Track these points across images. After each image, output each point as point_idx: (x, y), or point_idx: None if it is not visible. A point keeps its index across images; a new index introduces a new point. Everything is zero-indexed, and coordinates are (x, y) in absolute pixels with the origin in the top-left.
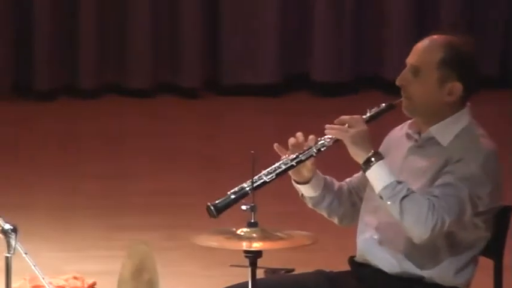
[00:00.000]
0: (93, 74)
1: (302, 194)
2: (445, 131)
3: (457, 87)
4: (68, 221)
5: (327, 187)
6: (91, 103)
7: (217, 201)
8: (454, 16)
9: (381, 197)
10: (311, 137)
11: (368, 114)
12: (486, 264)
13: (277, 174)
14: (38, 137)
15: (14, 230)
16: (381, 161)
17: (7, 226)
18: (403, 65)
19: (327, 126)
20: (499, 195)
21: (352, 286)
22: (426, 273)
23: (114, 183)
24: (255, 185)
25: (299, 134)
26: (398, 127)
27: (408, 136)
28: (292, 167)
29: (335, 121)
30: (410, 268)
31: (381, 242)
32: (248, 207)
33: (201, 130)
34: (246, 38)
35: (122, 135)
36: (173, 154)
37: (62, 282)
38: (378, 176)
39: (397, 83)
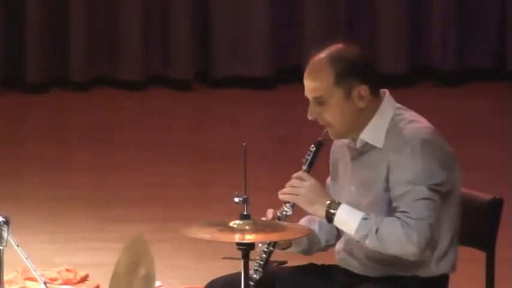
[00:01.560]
0: (85, 66)
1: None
2: (375, 132)
3: (363, 89)
4: (59, 213)
5: (311, 236)
6: (82, 95)
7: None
8: (448, 6)
9: (357, 241)
10: (269, 210)
11: (306, 164)
12: (479, 256)
13: (263, 267)
14: (29, 129)
15: (6, 222)
16: (340, 208)
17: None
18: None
19: (279, 192)
20: (452, 170)
21: (341, 279)
22: (407, 272)
23: (106, 175)
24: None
25: (269, 212)
26: (338, 142)
27: (348, 147)
28: (272, 251)
29: (285, 186)
30: (390, 272)
31: (352, 254)
32: (241, 199)
33: (193, 122)
34: (237, 30)
35: (114, 128)
36: (165, 146)
37: (54, 275)
38: (344, 223)
39: (310, 118)
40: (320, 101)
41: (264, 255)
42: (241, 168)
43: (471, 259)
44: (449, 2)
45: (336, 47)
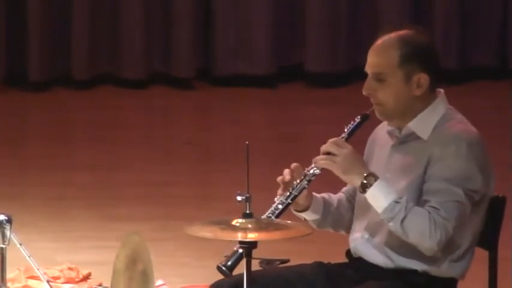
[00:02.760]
0: (87, 64)
1: (305, 218)
2: (423, 124)
3: (424, 78)
4: (61, 212)
5: (326, 207)
6: (84, 94)
7: (227, 262)
8: (450, 6)
9: (383, 220)
10: (294, 164)
11: (346, 132)
12: (481, 255)
13: (276, 217)
14: (32, 128)
15: (9, 221)
16: (378, 182)
17: (2, 217)
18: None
19: (314, 160)
20: (488, 180)
21: (350, 278)
22: (420, 267)
23: (108, 174)
24: (270, 213)
25: (286, 172)
26: (380, 125)
27: (390, 134)
28: (289, 205)
29: (321, 150)
30: (403, 263)
31: (370, 241)
32: (243, 198)
33: (195, 121)
34: (239, 28)
35: (116, 126)
36: (167, 145)
37: (56, 273)
38: (375, 199)
39: (364, 93)
40: (379, 78)
41: (281, 207)
42: (244, 167)
43: (475, 258)
44: (452, 1)
45: (408, 31)
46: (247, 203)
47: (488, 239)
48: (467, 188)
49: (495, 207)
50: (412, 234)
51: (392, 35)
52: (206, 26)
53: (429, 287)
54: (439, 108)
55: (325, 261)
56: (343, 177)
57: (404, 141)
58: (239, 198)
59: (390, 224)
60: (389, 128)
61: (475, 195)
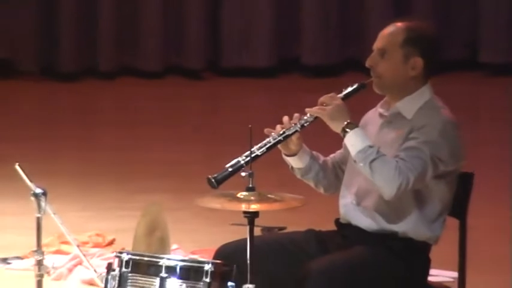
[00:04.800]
0: (111, 58)
1: (292, 167)
2: (409, 105)
3: (419, 62)
4: (89, 186)
5: (312, 159)
6: (109, 83)
7: (216, 174)
8: (426, 4)
9: (355, 161)
10: (296, 115)
11: (343, 93)
12: (452, 223)
13: (267, 148)
14: (63, 113)
15: (44, 194)
16: (355, 129)
17: (38, 190)
18: (371, 50)
19: (307, 109)
20: (458, 159)
21: (337, 243)
22: (399, 229)
23: (129, 153)
24: (248, 158)
25: (286, 119)
26: (373, 109)
27: (380, 115)
28: (280, 141)
29: (318, 102)
30: (385, 225)
31: (358, 205)
32: (247, 174)
33: (205, 107)
34: (244, 25)
35: (136, 112)
36: (180, 128)
37: (85, 239)
38: (352, 142)
39: (367, 64)
40: (382, 53)
41: (273, 141)
42: (247, 147)
43: (447, 226)
44: (428, 1)
45: (416, 22)
46: (250, 178)
47: (458, 209)
48: (435, 155)
49: (464, 182)
50: (377, 176)
51: (403, 23)
52: (215, 24)
53: (407, 251)
54: (425, 94)
55: (317, 229)
56: (330, 124)
57: (391, 120)
58: (243, 174)
59: (361, 164)
60: (380, 109)
61: (440, 164)
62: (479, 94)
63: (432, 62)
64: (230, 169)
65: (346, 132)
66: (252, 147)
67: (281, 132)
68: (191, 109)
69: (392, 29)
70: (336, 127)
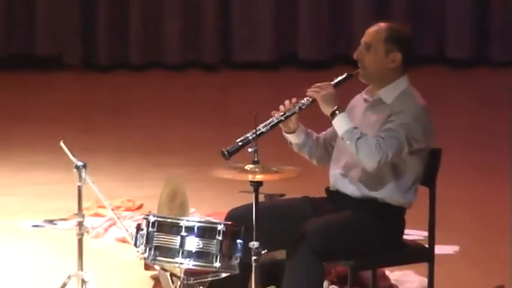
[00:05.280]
0: (141, 53)
1: (290, 142)
2: (389, 93)
3: (398, 56)
4: (122, 160)
5: (307, 136)
6: (140, 75)
7: (228, 148)
8: (403, 5)
9: (342, 139)
10: (293, 99)
11: (334, 81)
12: (424, 192)
13: (271, 126)
14: (100, 101)
15: (84, 166)
16: (342, 113)
17: (79, 163)
18: (358, 44)
19: (307, 90)
20: (428, 138)
21: (328, 208)
22: (379, 195)
23: (156, 132)
24: (255, 135)
25: (287, 103)
26: (358, 95)
27: (365, 100)
28: (281, 120)
29: (312, 87)
30: (367, 192)
31: (345, 176)
32: (253, 149)
33: (219, 95)
34: (250, 25)
35: (162, 100)
36: (198, 113)
37: (118, 204)
38: (340, 124)
39: (355, 56)
40: (368, 47)
41: (276, 120)
42: (253, 128)
43: (419, 193)
44: (404, 2)
45: (397, 24)
46: (255, 154)
47: (428, 180)
48: (409, 135)
49: (434, 157)
50: (361, 151)
51: (386, 23)
52: (227, 23)
53: (385, 214)
54: (403, 84)
55: (311, 196)
56: (322, 106)
57: (373, 105)
58: (250, 149)
59: (347, 142)
60: (365, 96)
61: (414, 142)
62: (446, 85)
63: (409, 56)
64: (240, 143)
65: (336, 114)
66: (258, 126)
67: (282, 113)
68: (207, 97)
69: (377, 28)
70: (327, 110)
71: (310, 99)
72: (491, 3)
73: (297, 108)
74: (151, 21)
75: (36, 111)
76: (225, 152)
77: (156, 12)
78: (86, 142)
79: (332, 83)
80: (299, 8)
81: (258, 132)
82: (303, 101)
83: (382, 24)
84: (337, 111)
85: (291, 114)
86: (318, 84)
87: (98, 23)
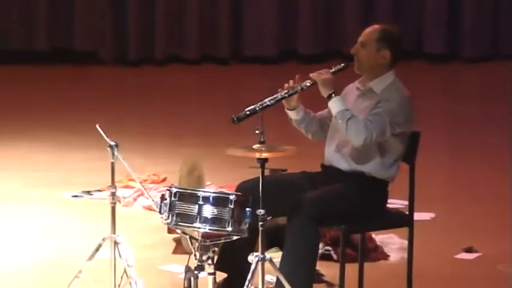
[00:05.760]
0: (164, 49)
1: (290, 118)
2: (378, 84)
3: (387, 54)
4: (148, 141)
5: (305, 114)
6: (163, 69)
7: (238, 115)
8: (389, 7)
9: (336, 118)
10: (297, 76)
11: (333, 69)
12: (405, 168)
13: (276, 101)
14: (129, 92)
15: (117, 145)
16: (337, 96)
17: (112, 143)
18: (355, 42)
19: (310, 74)
20: (410, 123)
21: (323, 180)
22: (366, 169)
23: (177, 117)
24: (261, 106)
25: (291, 82)
26: (351, 84)
27: (357, 88)
28: (285, 97)
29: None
30: (356, 167)
31: (339, 152)
32: (259, 131)
33: (230, 87)
34: (256, 25)
35: (182, 89)
36: (213, 102)
37: (145, 177)
38: (334, 105)
39: (352, 51)
40: (363, 44)
41: (279, 96)
42: (260, 114)
43: (401, 169)
44: (390, 4)
45: (390, 25)
46: (262, 135)
47: (409, 157)
48: (393, 120)
49: (414, 138)
50: (350, 130)
51: (379, 25)
52: (238, 22)
53: (371, 185)
54: (390, 77)
55: (308, 171)
56: (321, 88)
57: (365, 93)
58: (257, 131)
59: (339, 121)
60: (358, 85)
61: (396, 126)
62: (424, 78)
63: (396, 54)
64: (248, 112)
65: (332, 97)
66: (264, 100)
67: (286, 91)
68: (220, 87)
69: (371, 29)
70: (325, 92)
71: (311, 82)
72: (463, 5)
73: (299, 88)
74: (172, 21)
75: (76, 99)
76: (234, 118)
77: (178, 13)
78: (118, 126)
79: (331, 70)
80: (299, 8)
81: (264, 105)
82: (304, 83)
83: (376, 26)
84: (333, 95)
85: (294, 93)
86: (319, 70)
87: (128, 23)
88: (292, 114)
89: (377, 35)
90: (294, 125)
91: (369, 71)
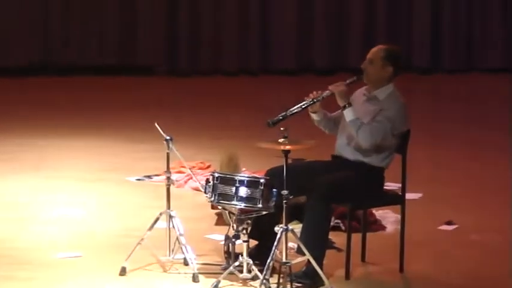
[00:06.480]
0: (211, 60)
1: (313, 119)
2: (382, 93)
3: (390, 69)
4: (196, 136)
5: (324, 116)
6: (207, 79)
7: (272, 119)
8: (384, 26)
9: (349, 123)
10: (319, 91)
11: (347, 82)
12: (398, 158)
13: (302, 108)
14: (182, 98)
15: (171, 139)
16: (351, 107)
17: (167, 137)
18: (364, 59)
19: (329, 86)
20: (404, 125)
21: (334, 167)
22: (366, 160)
23: (219, 118)
24: (291, 112)
25: (314, 92)
26: (359, 89)
27: (364, 94)
28: (310, 104)
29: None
30: (359, 157)
31: (348, 145)
32: (284, 129)
33: (260, 93)
34: (275, 40)
35: (220, 97)
36: (245, 107)
37: (194, 164)
38: (349, 114)
39: (362, 67)
40: (371, 61)
41: (306, 104)
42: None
43: (396, 159)
44: (384, 30)
45: (392, 46)
46: (286, 132)
47: (401, 149)
48: (393, 126)
49: (405, 134)
50: (360, 136)
51: (384, 45)
52: (266, 43)
53: (371, 172)
54: (391, 87)
55: (322, 159)
56: (338, 99)
57: (370, 99)
58: (282, 128)
59: (352, 127)
60: (365, 91)
61: (395, 131)
62: (412, 89)
63: (397, 70)
64: (280, 117)
65: (346, 107)
66: (293, 107)
67: (311, 99)
68: (251, 94)
69: (378, 48)
70: (341, 102)
71: (330, 92)
72: (443, 24)
73: (321, 97)
74: (215, 38)
75: (137, 104)
76: (270, 122)
77: (217, 35)
78: (171, 125)
79: (346, 82)
80: (314, 26)
81: (293, 112)
82: (325, 93)
83: (381, 46)
84: (347, 105)
85: (317, 101)
86: (336, 83)
87: (179, 40)
88: (314, 116)
89: (382, 53)
90: (316, 124)
91: (374, 82)
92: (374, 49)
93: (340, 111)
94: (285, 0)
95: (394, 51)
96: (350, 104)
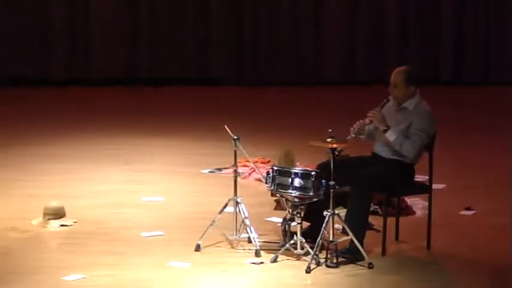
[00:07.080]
0: (231, 73)
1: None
2: (410, 104)
3: (412, 88)
4: (259, 137)
5: (368, 132)
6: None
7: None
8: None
9: (391, 142)
10: (361, 121)
11: (379, 106)
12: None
13: (356, 135)
14: (263, 105)
15: (238, 139)
16: (390, 130)
17: (235, 137)
18: (389, 83)
19: (368, 114)
20: (433, 131)
21: (373, 162)
22: (401, 158)
23: (278, 122)
24: (349, 137)
25: (357, 123)
26: (391, 101)
27: (395, 105)
28: (358, 136)
29: (371, 112)
30: (394, 156)
31: (383, 146)
32: (330, 131)
33: (312, 102)
34: (286, 55)
35: (280, 106)
36: (297, 112)
37: (256, 159)
38: (391, 135)
39: (389, 90)
40: (395, 85)
41: (357, 130)
42: (328, 123)
43: (424, 156)
44: (396, 51)
45: (406, 67)
46: (333, 132)
47: (429, 147)
48: (427, 134)
49: (433, 136)
50: (404, 151)
51: (402, 68)
52: (319, 59)
53: (404, 167)
54: (417, 98)
55: (363, 156)
56: (378, 124)
57: (400, 109)
58: (330, 130)
59: (395, 144)
60: (393, 103)
61: (429, 137)
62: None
63: (417, 85)
64: (349, 137)
65: (387, 130)
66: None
67: (357, 130)
68: (304, 103)
69: (397, 72)
70: (381, 126)
71: (371, 120)
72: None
73: (366, 123)
74: (272, 50)
75: (207, 111)
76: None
77: (273, 53)
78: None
79: (380, 108)
80: (326, 43)
81: (353, 136)
82: (366, 121)
83: (400, 69)
84: (386, 128)
85: (360, 134)
86: (373, 110)
87: (244, 52)
88: (360, 137)
89: (402, 76)
90: (362, 138)
91: (403, 99)
92: (396, 71)
93: (373, 125)
94: None
95: (410, 72)
96: (389, 127)
